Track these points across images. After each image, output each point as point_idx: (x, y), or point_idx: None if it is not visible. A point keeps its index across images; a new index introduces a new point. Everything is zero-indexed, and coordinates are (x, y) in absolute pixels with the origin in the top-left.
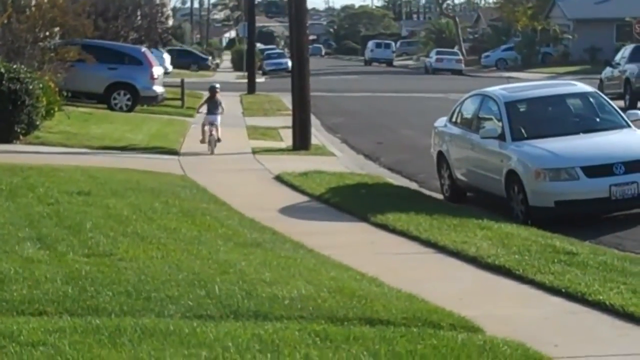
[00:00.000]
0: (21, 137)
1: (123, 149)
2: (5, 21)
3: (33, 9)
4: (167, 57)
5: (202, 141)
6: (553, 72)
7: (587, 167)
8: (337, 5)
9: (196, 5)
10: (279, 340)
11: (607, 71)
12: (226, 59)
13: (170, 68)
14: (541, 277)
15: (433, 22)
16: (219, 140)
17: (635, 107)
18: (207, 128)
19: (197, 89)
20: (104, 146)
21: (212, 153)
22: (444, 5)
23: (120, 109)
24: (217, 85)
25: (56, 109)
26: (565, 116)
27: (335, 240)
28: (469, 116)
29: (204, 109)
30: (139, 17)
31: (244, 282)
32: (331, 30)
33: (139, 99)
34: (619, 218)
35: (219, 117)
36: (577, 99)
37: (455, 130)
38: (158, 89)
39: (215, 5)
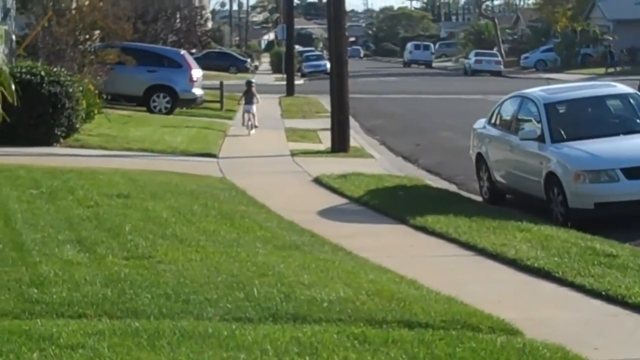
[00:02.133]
0: (61, 140)
1: (162, 151)
2: (46, 24)
3: (73, 12)
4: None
5: (243, 123)
6: (593, 73)
7: (627, 169)
8: (376, 7)
9: (235, 7)
10: (317, 343)
11: None
12: (265, 61)
13: None
14: (581, 280)
15: (472, 24)
16: (256, 126)
17: None
18: (246, 115)
19: (236, 91)
20: (143, 149)
21: (249, 134)
22: (483, 7)
23: (160, 112)
24: (253, 80)
25: (96, 111)
26: (605, 117)
27: (374, 242)
28: (508, 118)
29: (243, 100)
30: (178, 20)
31: (282, 284)
32: (370, 32)
33: (178, 101)
34: None
35: (254, 107)
36: (617, 100)
37: (494, 132)
38: (197, 91)
39: (254, 7)
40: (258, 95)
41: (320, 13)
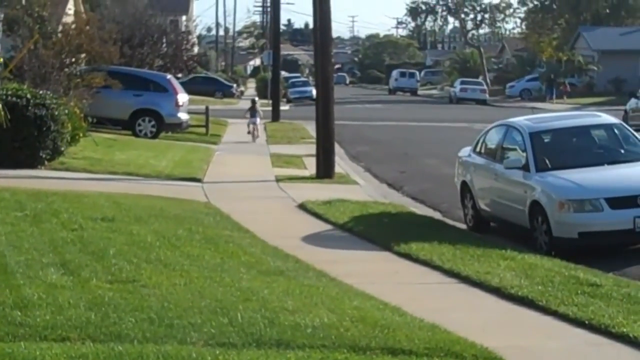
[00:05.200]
0: (46, 162)
1: (147, 175)
2: (32, 47)
3: (60, 35)
4: None
5: (249, 132)
6: (578, 103)
7: (611, 199)
8: (362, 34)
9: (221, 33)
10: None
11: (632, 102)
12: (251, 86)
13: None
14: (564, 309)
15: (458, 52)
16: (258, 136)
17: None
18: (251, 127)
19: (221, 116)
20: (128, 172)
21: (253, 141)
22: (469, 35)
23: (145, 136)
24: (256, 99)
25: (81, 135)
26: (589, 147)
27: (358, 269)
28: (493, 146)
29: (248, 114)
30: (164, 45)
31: (266, 310)
32: (356, 59)
33: (163, 125)
34: None
35: (258, 119)
36: (601, 130)
37: (479, 160)
38: (183, 116)
39: (240, 33)
40: (260, 111)
41: (306, 39)
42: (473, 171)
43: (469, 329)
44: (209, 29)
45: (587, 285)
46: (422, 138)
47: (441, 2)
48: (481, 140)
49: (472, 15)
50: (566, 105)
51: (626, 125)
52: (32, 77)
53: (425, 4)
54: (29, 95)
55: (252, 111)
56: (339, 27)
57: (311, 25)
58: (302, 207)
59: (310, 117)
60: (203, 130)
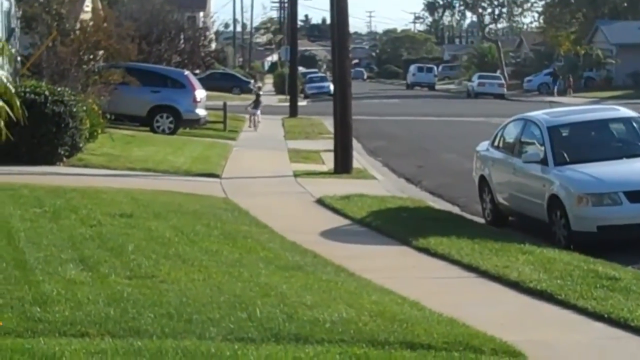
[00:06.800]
0: (64, 159)
1: (165, 171)
2: (50, 44)
3: (77, 32)
4: None
5: (250, 126)
6: (596, 96)
7: (630, 192)
8: (380, 29)
9: (239, 29)
10: None
11: None
12: (268, 82)
13: None
14: (583, 303)
15: (475, 47)
16: (259, 121)
17: None
18: (253, 117)
19: (239, 112)
20: (146, 168)
21: (255, 130)
22: (487, 30)
23: (163, 132)
24: (260, 92)
25: (99, 131)
26: (608, 141)
27: (376, 263)
28: (511, 140)
29: (252, 106)
30: (182, 41)
31: (285, 305)
32: (373, 54)
33: (181, 122)
34: None
35: (259, 110)
36: (620, 124)
37: (498, 154)
38: (200, 112)
39: (257, 29)
40: (262, 103)
41: (323, 35)
42: (491, 165)
43: (488, 323)
44: (226, 25)
45: (606, 279)
46: (439, 133)
47: None
48: (499, 135)
49: (489, 10)
50: (584, 98)
51: None
52: (51, 74)
53: None
54: (47, 92)
55: (256, 103)
56: (356, 23)
57: (328, 21)
58: (320, 202)
59: (327, 112)
60: (221, 126)
